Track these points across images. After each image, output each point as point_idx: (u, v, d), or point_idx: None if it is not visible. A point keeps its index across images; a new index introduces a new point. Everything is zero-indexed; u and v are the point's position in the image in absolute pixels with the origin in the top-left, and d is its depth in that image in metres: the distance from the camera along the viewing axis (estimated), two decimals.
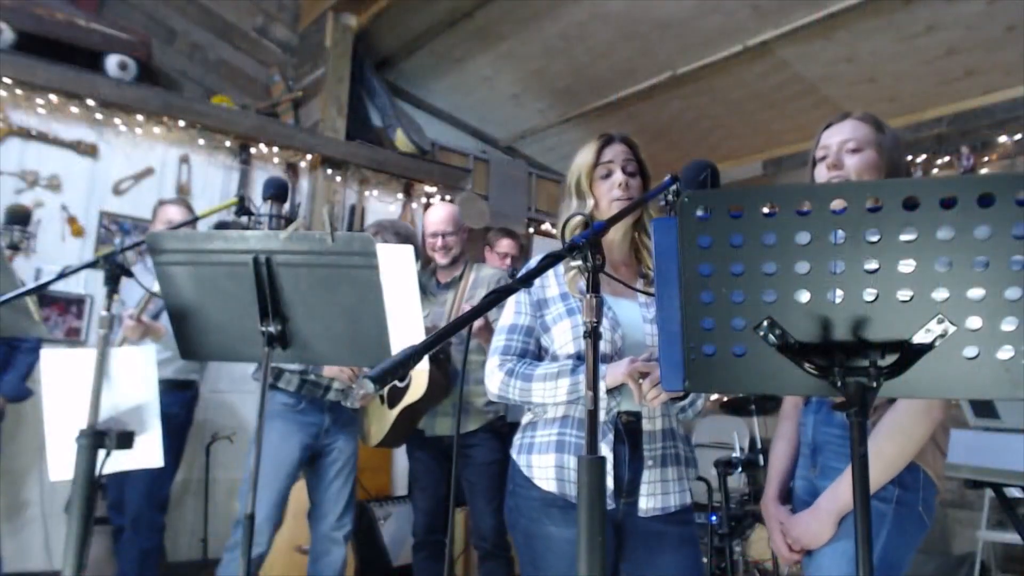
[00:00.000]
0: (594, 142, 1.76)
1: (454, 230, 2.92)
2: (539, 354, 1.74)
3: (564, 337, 1.67)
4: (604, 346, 1.62)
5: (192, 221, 2.44)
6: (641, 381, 1.51)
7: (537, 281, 1.73)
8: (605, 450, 1.57)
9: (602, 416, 1.59)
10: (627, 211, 1.38)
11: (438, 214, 2.97)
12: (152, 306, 2.72)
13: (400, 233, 2.80)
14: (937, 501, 1.51)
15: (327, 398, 2.73)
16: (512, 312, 1.75)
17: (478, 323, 2.54)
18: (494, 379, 1.70)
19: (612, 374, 1.54)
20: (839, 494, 1.46)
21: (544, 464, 1.62)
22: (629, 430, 1.62)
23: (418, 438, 2.86)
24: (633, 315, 1.69)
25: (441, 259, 2.94)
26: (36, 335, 2.19)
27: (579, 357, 1.64)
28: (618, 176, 1.71)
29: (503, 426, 2.89)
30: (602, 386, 1.55)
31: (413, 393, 2.66)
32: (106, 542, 3.60)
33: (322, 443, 2.76)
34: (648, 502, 1.60)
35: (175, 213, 3.06)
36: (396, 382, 2.70)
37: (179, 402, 3.10)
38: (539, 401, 1.65)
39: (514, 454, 1.73)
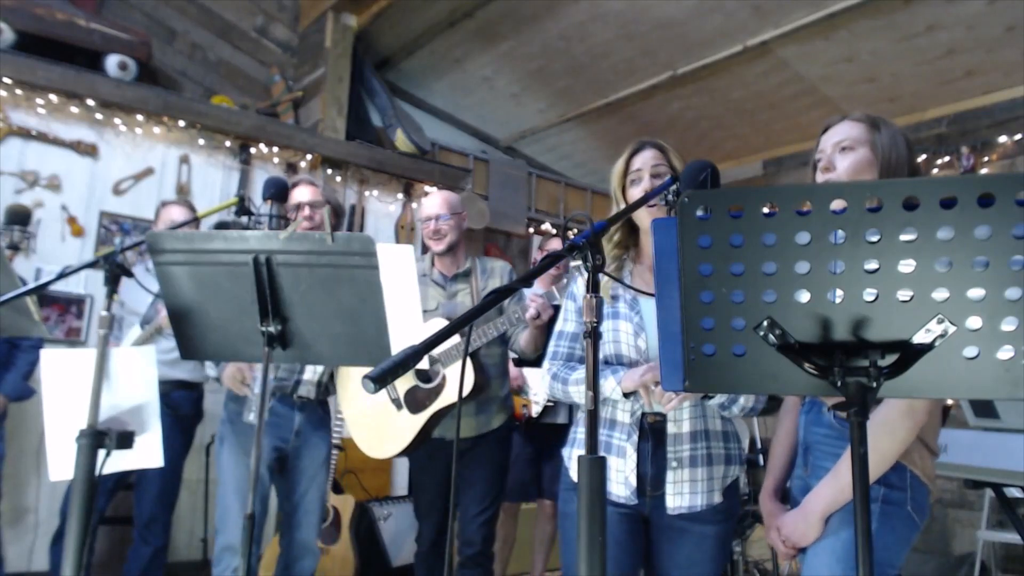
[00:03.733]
0: (627, 150, 1.83)
1: (448, 214, 2.68)
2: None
3: None
4: (630, 351, 1.72)
5: (192, 221, 2.44)
6: (654, 389, 1.60)
7: (580, 290, 1.83)
8: (630, 450, 1.68)
9: (628, 419, 1.71)
10: (627, 212, 1.40)
11: (432, 198, 2.77)
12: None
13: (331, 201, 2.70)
14: (931, 501, 1.51)
15: (297, 394, 2.54)
16: (561, 319, 1.91)
17: (540, 304, 2.37)
18: (545, 382, 1.87)
19: (628, 380, 1.65)
20: (822, 494, 1.48)
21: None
22: (655, 429, 1.69)
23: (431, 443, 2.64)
24: None
25: (435, 246, 2.70)
26: (36, 335, 2.19)
27: (606, 362, 1.75)
28: (646, 183, 1.77)
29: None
30: (619, 390, 1.66)
31: (446, 395, 2.47)
32: (110, 541, 3.61)
33: (292, 446, 2.55)
34: (674, 501, 1.67)
35: (177, 213, 3.05)
36: (420, 383, 2.55)
37: (190, 401, 3.13)
38: (579, 401, 1.79)
39: (566, 448, 1.87)
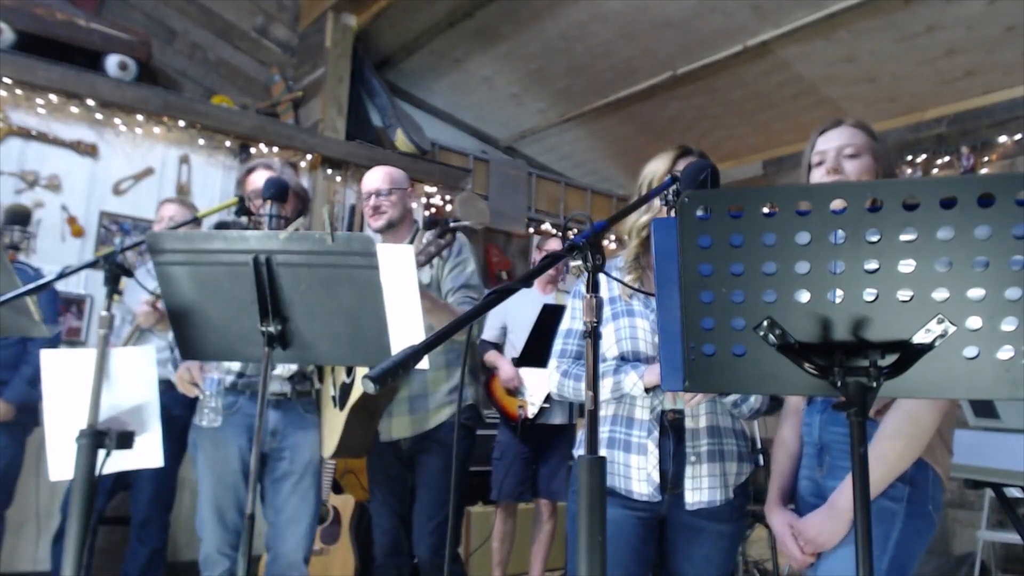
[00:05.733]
0: (670, 152, 1.81)
1: (388, 190, 2.51)
2: None
3: (609, 340, 1.78)
4: (647, 347, 1.74)
5: (192, 221, 2.44)
6: None
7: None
8: (651, 447, 1.69)
9: (647, 416, 1.71)
10: (627, 211, 1.39)
11: (373, 173, 2.57)
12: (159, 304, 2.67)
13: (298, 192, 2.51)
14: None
15: (272, 391, 2.35)
16: (568, 317, 1.89)
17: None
18: (552, 380, 1.84)
19: (649, 375, 1.66)
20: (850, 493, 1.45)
21: None
22: (675, 427, 1.71)
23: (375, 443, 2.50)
24: None
25: (374, 223, 2.53)
26: (36, 335, 2.18)
27: (623, 358, 1.75)
28: None
29: (471, 419, 2.59)
30: (640, 385, 1.67)
31: (356, 390, 2.26)
32: (111, 542, 3.60)
33: (270, 447, 2.35)
34: (693, 496, 1.68)
35: (173, 211, 3.04)
36: (344, 377, 2.34)
37: (183, 402, 3.06)
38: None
39: (578, 450, 1.88)
